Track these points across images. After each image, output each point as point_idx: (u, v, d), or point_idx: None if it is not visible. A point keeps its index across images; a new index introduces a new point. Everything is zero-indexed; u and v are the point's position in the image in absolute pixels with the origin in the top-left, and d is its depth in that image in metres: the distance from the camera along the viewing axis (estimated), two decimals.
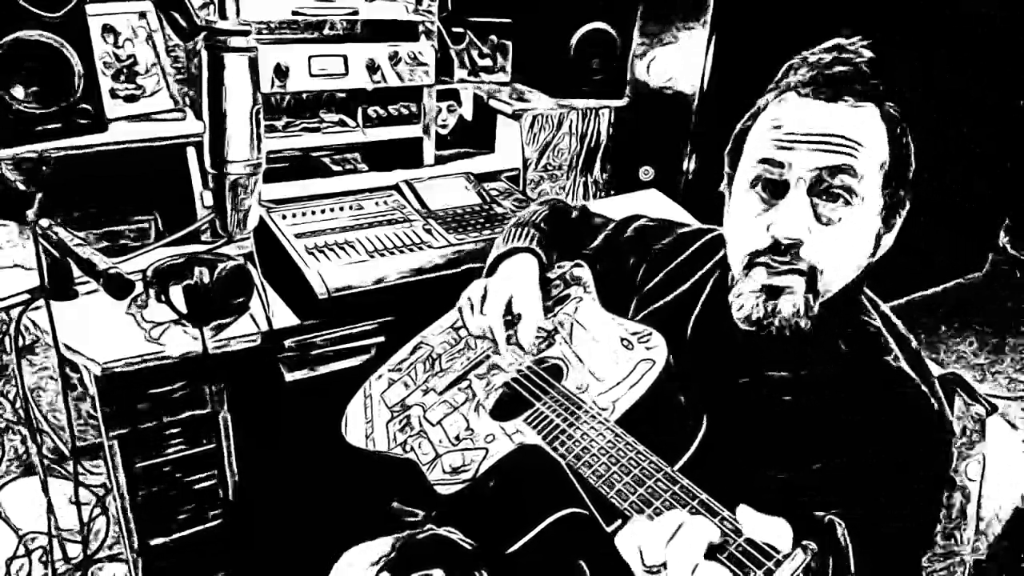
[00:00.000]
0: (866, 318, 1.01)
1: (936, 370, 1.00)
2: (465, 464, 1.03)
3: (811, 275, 0.92)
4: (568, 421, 0.99)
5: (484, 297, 1.22)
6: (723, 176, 1.06)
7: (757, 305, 0.94)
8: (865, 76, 0.92)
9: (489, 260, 1.33)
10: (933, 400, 0.94)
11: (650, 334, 1.06)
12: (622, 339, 1.09)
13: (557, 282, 1.31)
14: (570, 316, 1.21)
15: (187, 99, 1.76)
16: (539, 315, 1.21)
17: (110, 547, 1.68)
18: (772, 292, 0.93)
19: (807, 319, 0.93)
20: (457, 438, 1.09)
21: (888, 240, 0.98)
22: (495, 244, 1.37)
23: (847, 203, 0.91)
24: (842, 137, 0.90)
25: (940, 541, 1.09)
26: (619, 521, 0.87)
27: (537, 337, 1.20)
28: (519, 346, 1.17)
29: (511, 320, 1.21)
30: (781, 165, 0.92)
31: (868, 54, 0.93)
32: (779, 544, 0.67)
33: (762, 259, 0.94)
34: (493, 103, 2.21)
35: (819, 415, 0.94)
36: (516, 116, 2.16)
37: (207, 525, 1.61)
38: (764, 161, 0.94)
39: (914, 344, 1.00)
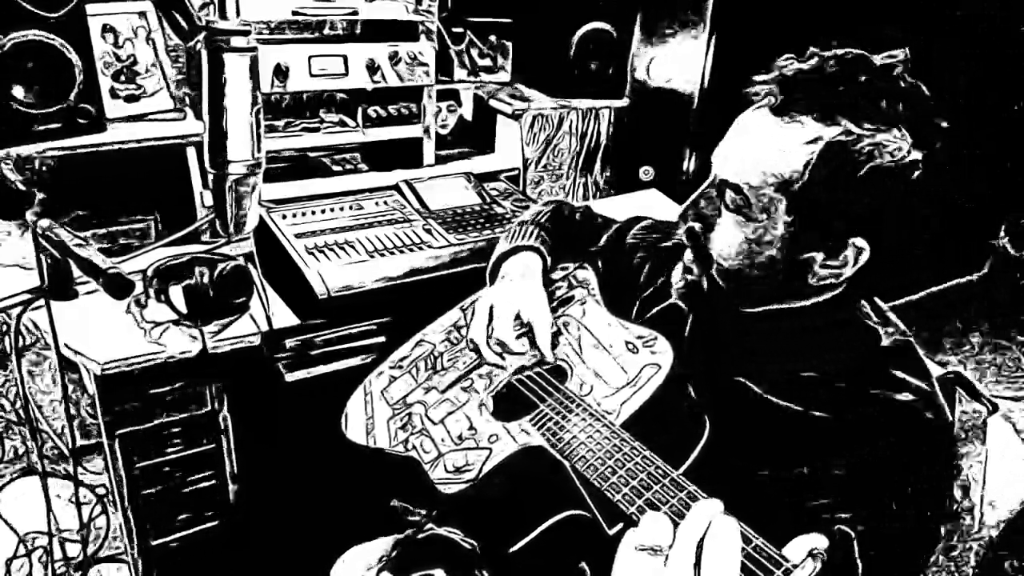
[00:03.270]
0: (865, 321, 1.00)
1: (937, 370, 1.00)
2: (468, 464, 1.03)
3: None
4: (573, 423, 0.99)
5: (491, 317, 1.20)
6: None
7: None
8: (816, 91, 0.88)
9: (493, 258, 1.33)
10: (934, 401, 0.94)
11: (655, 339, 1.06)
12: (627, 343, 1.08)
13: (561, 283, 1.31)
14: (574, 318, 1.21)
15: (187, 99, 1.76)
16: (549, 318, 1.20)
17: (108, 547, 1.68)
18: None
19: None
20: (460, 437, 1.09)
21: (823, 262, 0.92)
22: (499, 242, 1.36)
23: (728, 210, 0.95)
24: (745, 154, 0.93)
25: (943, 541, 1.09)
26: (621, 524, 0.87)
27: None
28: (540, 354, 1.16)
29: (523, 331, 1.19)
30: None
31: (831, 69, 0.88)
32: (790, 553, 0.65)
33: None
34: (493, 103, 2.21)
35: (817, 417, 0.94)
36: (516, 116, 2.16)
37: (207, 525, 1.61)
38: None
39: (915, 346, 1.00)
